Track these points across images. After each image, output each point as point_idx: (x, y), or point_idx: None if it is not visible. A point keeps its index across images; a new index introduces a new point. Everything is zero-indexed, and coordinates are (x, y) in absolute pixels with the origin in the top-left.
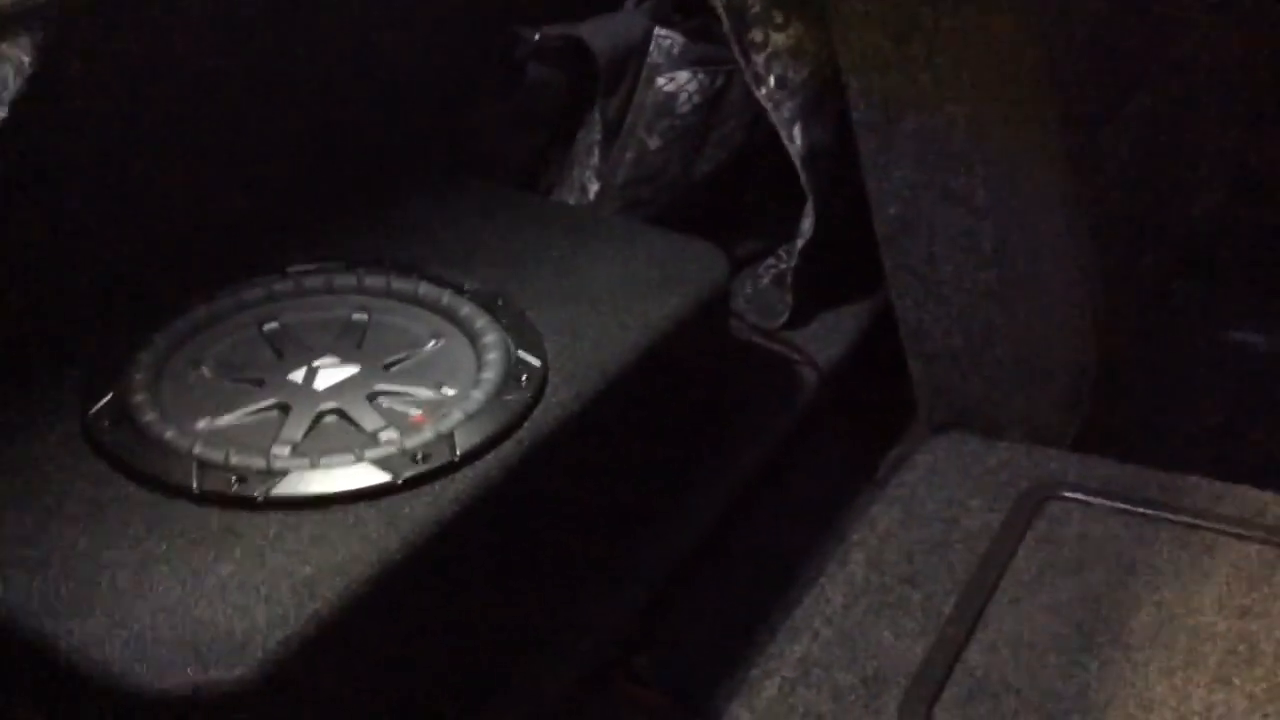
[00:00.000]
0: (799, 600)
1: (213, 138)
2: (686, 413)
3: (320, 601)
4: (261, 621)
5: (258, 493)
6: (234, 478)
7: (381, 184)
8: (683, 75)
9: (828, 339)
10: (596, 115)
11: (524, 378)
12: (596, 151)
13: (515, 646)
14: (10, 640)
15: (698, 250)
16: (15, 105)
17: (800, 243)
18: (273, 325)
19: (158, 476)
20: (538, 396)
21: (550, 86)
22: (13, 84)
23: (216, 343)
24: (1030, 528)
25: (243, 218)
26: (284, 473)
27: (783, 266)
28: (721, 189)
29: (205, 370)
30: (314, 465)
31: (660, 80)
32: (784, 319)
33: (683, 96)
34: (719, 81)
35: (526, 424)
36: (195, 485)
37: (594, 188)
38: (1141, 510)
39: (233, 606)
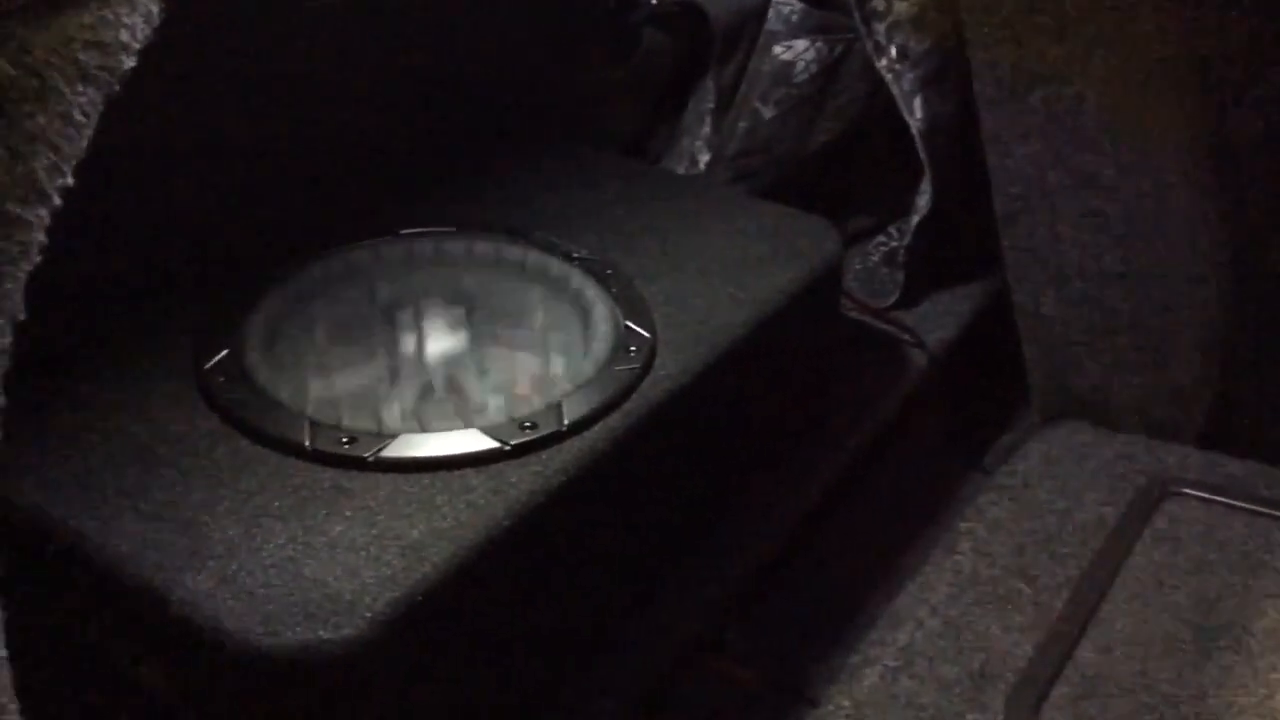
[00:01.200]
0: (902, 587)
1: (327, 100)
2: (793, 390)
3: (429, 565)
4: (371, 583)
5: (368, 454)
6: (345, 438)
7: (491, 149)
8: (800, 43)
9: (938, 320)
10: (710, 83)
11: (632, 349)
12: (708, 121)
13: (612, 617)
14: (125, 593)
15: (810, 225)
16: (143, 54)
17: (915, 219)
18: (383, 289)
19: (271, 433)
20: (646, 368)
21: (664, 53)
22: (142, 33)
23: (328, 304)
24: (1148, 524)
25: (354, 181)
26: (394, 435)
27: (893, 244)
28: (835, 162)
29: (317, 331)
30: (423, 429)
31: (777, 48)
32: (894, 298)
33: (800, 65)
34: (837, 51)
35: (635, 395)
36: (308, 443)
37: (704, 158)
38: (1266, 510)
39: (342, 566)
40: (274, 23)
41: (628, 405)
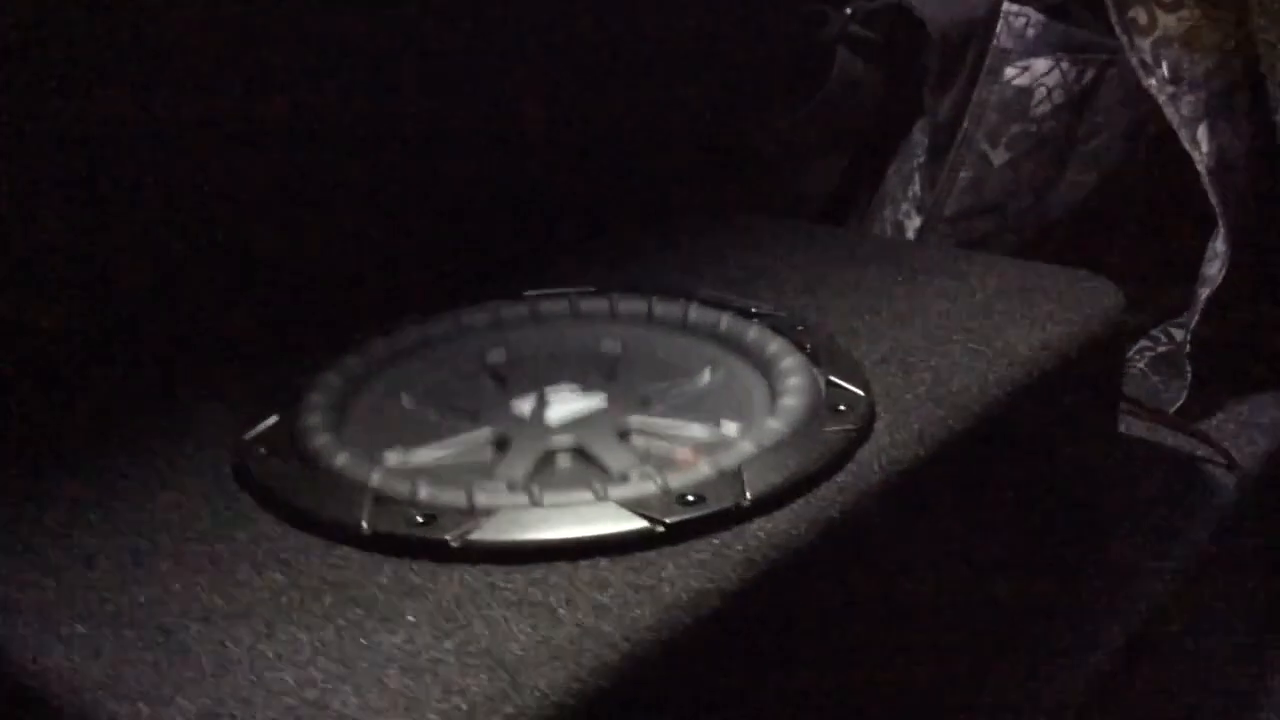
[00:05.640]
0: None
1: (459, 147)
2: (1060, 494)
3: (528, 696)
4: None
5: (451, 536)
6: (420, 516)
7: (644, 212)
8: (1040, 64)
9: (1238, 432)
10: (918, 135)
11: (841, 407)
12: (917, 179)
13: None
14: None
15: (1077, 278)
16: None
17: (1203, 293)
18: (498, 353)
19: (315, 514)
20: (864, 431)
21: (861, 86)
22: None
23: (425, 370)
24: None
25: (481, 241)
26: (490, 511)
27: (1161, 349)
28: (1086, 229)
29: (405, 398)
30: (534, 503)
31: (1010, 70)
32: (1176, 406)
33: (1039, 93)
34: (1088, 76)
35: (849, 465)
36: (365, 524)
37: (913, 224)
38: None
39: (392, 696)
40: (405, 63)
41: (840, 477)
